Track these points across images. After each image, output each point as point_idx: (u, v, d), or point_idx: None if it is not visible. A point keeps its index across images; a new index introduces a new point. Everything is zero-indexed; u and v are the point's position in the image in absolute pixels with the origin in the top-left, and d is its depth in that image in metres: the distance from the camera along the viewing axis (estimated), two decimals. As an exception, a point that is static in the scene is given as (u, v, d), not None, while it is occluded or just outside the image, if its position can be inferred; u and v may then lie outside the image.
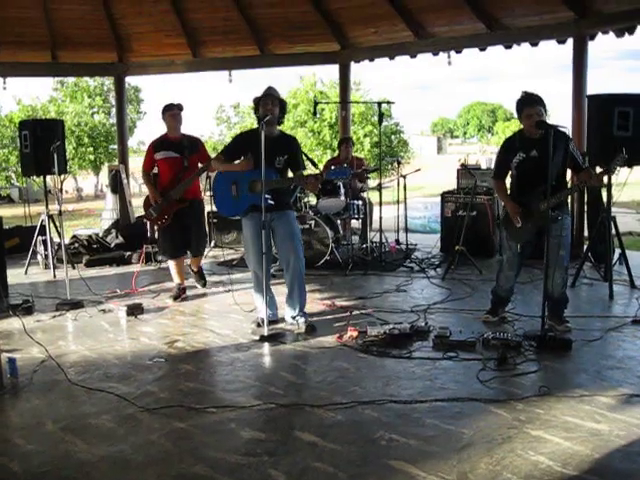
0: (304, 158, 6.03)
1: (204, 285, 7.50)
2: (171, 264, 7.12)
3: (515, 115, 5.49)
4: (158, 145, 6.92)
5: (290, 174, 5.79)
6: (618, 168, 5.37)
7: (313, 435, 3.64)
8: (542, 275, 5.28)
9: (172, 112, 6.86)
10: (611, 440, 3.47)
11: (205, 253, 9.52)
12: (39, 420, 3.95)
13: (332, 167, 6.12)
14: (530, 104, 5.20)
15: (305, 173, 5.79)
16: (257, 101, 5.61)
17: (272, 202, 5.42)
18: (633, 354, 4.86)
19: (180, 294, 7.05)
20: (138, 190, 27.46)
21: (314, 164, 6.60)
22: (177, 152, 6.80)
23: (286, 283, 5.82)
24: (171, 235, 6.97)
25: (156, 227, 7.24)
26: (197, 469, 3.31)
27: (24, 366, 4.79)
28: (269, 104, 5.50)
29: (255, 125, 5.68)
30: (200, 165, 6.88)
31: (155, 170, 7.09)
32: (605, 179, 6.29)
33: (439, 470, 3.21)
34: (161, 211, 6.84)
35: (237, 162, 5.74)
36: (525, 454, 3.34)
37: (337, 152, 10.09)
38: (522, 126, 5.43)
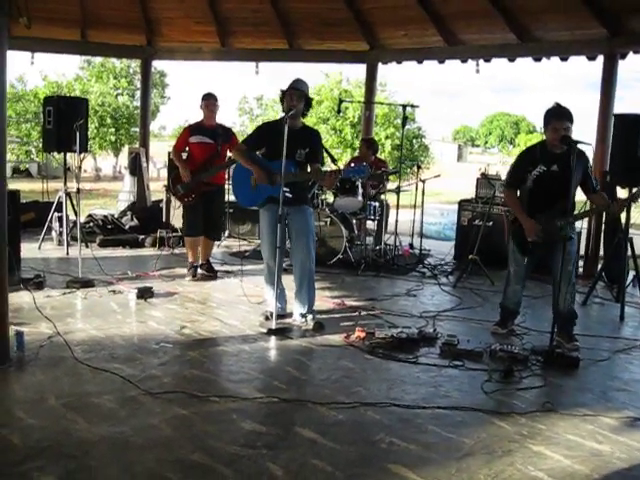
0: (324, 153, 6.01)
1: (215, 277, 7.57)
2: (190, 241, 7.48)
3: (539, 127, 5.45)
4: (195, 129, 7.32)
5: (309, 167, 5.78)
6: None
7: (313, 432, 3.63)
8: (552, 290, 5.24)
9: (208, 102, 7.31)
10: (612, 462, 3.45)
11: (219, 243, 9.57)
12: (42, 395, 3.96)
13: (352, 164, 6.10)
14: (559, 117, 5.13)
15: (323, 169, 5.79)
16: (284, 93, 5.61)
17: (290, 195, 5.41)
18: (640, 377, 4.83)
19: (195, 272, 7.38)
20: (156, 174, 27.56)
21: (334, 160, 6.62)
22: (211, 139, 7.21)
23: (295, 279, 5.82)
24: (198, 215, 7.32)
25: (180, 203, 7.58)
26: (196, 457, 3.31)
27: (31, 341, 4.81)
28: (294, 99, 5.49)
29: (279, 117, 5.68)
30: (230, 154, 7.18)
31: (187, 151, 7.43)
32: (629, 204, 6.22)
33: (437, 477, 3.20)
34: (189, 190, 7.19)
35: (258, 153, 5.74)
36: (524, 469, 3.32)
37: (357, 151, 10.06)
38: (545, 138, 5.38)
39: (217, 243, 9.52)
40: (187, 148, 7.41)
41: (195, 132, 7.29)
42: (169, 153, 8.39)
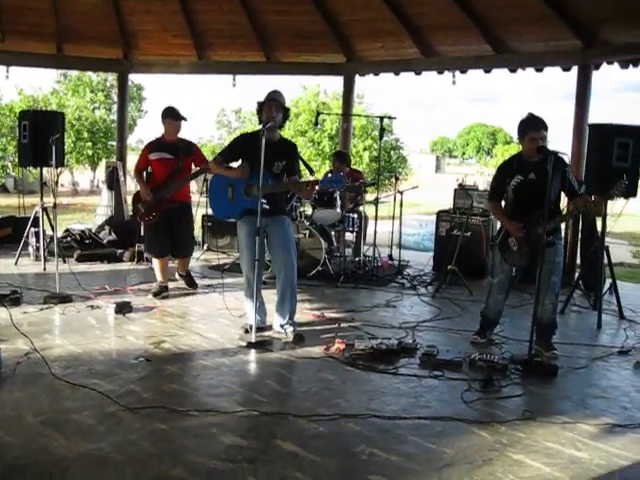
0: (302, 165, 6.02)
1: (195, 287, 7.52)
2: (155, 262, 7.25)
3: (516, 137, 5.49)
4: (154, 146, 7.07)
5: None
6: (616, 197, 5.39)
7: (294, 445, 3.62)
8: (532, 300, 5.29)
9: (175, 122, 7.04)
10: (591, 469, 3.47)
11: (198, 256, 9.53)
12: (19, 412, 3.92)
13: (329, 175, 6.11)
14: (536, 127, 5.20)
15: (302, 180, 5.80)
16: (261, 104, 5.61)
17: (267, 207, 5.41)
18: (617, 384, 4.87)
19: (161, 291, 7.13)
20: (134, 188, 27.36)
21: (311, 172, 6.61)
22: (171, 154, 6.97)
23: (277, 290, 5.81)
24: (158, 234, 7.11)
25: (142, 223, 7.34)
26: (176, 472, 3.29)
27: (8, 357, 4.76)
28: (273, 110, 5.50)
29: (256, 128, 5.68)
30: (194, 168, 7.07)
31: (149, 170, 7.19)
32: (605, 205, 6.27)
33: (418, 488, 3.21)
34: (150, 208, 6.99)
35: (235, 165, 5.75)
36: (505, 477, 3.33)
37: (330, 166, 10.05)
38: (521, 149, 5.44)
39: (195, 256, 9.48)
40: (149, 166, 7.16)
41: (155, 148, 7.05)
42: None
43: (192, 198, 7.60)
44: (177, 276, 7.65)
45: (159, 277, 7.22)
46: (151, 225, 7.14)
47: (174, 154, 6.96)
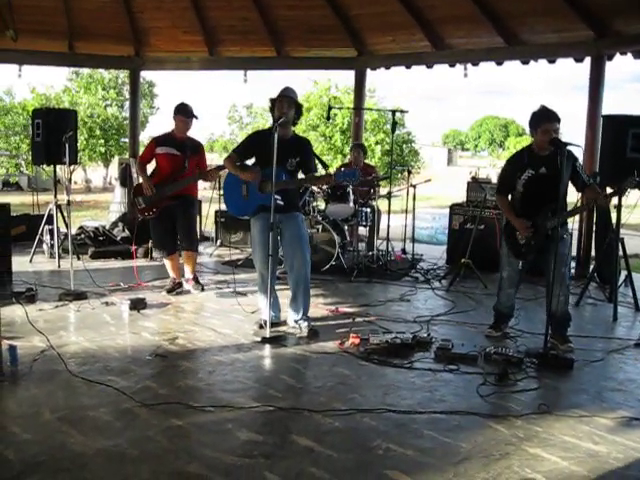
0: (316, 161, 6.02)
1: (202, 290, 7.30)
2: (166, 260, 7.21)
3: (528, 129, 5.46)
4: (161, 140, 6.96)
5: (301, 176, 5.78)
6: (629, 190, 5.37)
7: (310, 440, 3.63)
8: (545, 293, 5.26)
9: (186, 119, 6.94)
10: (609, 462, 3.45)
11: (211, 252, 9.55)
12: (37, 409, 3.95)
13: (342, 169, 6.10)
14: (549, 119, 5.16)
15: (316, 174, 5.80)
16: (273, 101, 5.61)
17: (281, 203, 5.41)
18: (634, 377, 4.83)
19: (175, 287, 7.15)
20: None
21: (325, 166, 6.59)
22: (179, 150, 6.87)
23: (290, 286, 5.82)
24: (164, 232, 7.06)
25: (140, 217, 7.09)
26: (192, 468, 3.30)
27: (25, 354, 4.79)
28: (284, 106, 5.48)
29: (268, 125, 5.68)
30: (199, 169, 6.99)
31: (153, 164, 7.12)
32: (614, 200, 6.25)
33: (435, 483, 3.20)
34: (150, 203, 6.88)
35: (249, 162, 5.76)
36: (522, 471, 3.32)
37: (349, 157, 10.10)
38: (532, 141, 5.41)
39: (208, 252, 9.50)
40: (154, 160, 7.04)
41: (162, 143, 6.93)
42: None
43: (198, 193, 7.53)
44: (184, 283, 7.33)
45: (171, 274, 7.22)
46: (154, 223, 7.07)
47: (181, 151, 6.87)
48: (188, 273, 7.31)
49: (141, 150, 8.50)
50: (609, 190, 5.99)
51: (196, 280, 7.36)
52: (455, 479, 3.24)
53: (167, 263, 7.20)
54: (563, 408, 4.18)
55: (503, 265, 5.70)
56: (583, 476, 3.30)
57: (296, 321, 5.76)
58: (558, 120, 5.16)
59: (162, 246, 7.14)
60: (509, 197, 5.57)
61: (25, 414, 3.89)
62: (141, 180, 7.07)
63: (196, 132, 7.25)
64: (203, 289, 7.32)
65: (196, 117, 7.02)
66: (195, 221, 7.47)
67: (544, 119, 5.19)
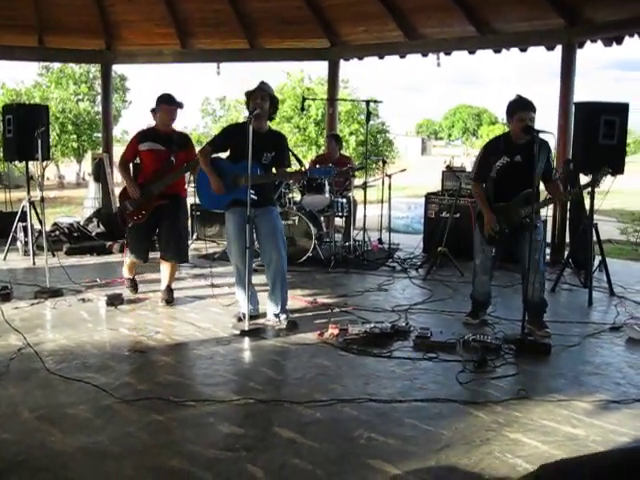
0: (290, 155, 6.00)
1: (168, 303, 6.44)
2: (130, 262, 6.64)
3: (501, 118, 5.51)
4: (144, 136, 6.34)
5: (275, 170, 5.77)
6: (603, 179, 5.46)
7: (292, 432, 3.63)
8: (521, 280, 5.31)
9: (170, 107, 6.27)
10: (587, 445, 3.50)
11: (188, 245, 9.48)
12: (15, 409, 3.90)
13: (317, 165, 6.09)
14: (525, 108, 5.21)
15: (290, 170, 5.78)
16: (249, 95, 5.58)
17: (255, 197, 5.39)
18: (610, 360, 4.90)
19: (136, 286, 6.82)
20: (121, 180, 27.27)
21: (300, 162, 6.58)
22: (164, 145, 6.25)
23: (268, 279, 5.81)
24: (141, 235, 6.46)
25: (130, 222, 6.38)
26: (174, 462, 3.29)
27: (1, 354, 4.75)
28: (259, 98, 5.46)
29: (242, 117, 5.65)
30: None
31: (137, 161, 6.59)
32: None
33: (417, 470, 3.21)
34: (139, 206, 6.30)
35: (223, 155, 5.72)
36: (503, 457, 3.35)
37: (325, 148, 10.10)
38: (508, 130, 5.46)
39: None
40: (137, 158, 6.43)
41: (145, 138, 6.28)
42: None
43: (187, 192, 6.83)
44: (161, 296, 6.52)
45: (127, 274, 6.77)
46: (135, 226, 6.38)
47: (166, 146, 6.23)
48: (165, 282, 6.55)
49: (115, 145, 8.43)
50: (583, 180, 6.07)
51: (170, 294, 6.54)
52: (437, 466, 3.26)
53: (130, 264, 6.66)
54: (542, 393, 4.22)
55: (476, 252, 5.74)
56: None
57: (275, 314, 5.75)
58: (533, 109, 5.21)
59: (139, 251, 6.48)
60: (483, 185, 5.61)
61: (3, 414, 3.84)
62: (124, 183, 6.43)
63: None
64: (171, 303, 6.49)
65: (181, 106, 6.33)
66: (186, 228, 6.88)
67: (519, 108, 5.25)
